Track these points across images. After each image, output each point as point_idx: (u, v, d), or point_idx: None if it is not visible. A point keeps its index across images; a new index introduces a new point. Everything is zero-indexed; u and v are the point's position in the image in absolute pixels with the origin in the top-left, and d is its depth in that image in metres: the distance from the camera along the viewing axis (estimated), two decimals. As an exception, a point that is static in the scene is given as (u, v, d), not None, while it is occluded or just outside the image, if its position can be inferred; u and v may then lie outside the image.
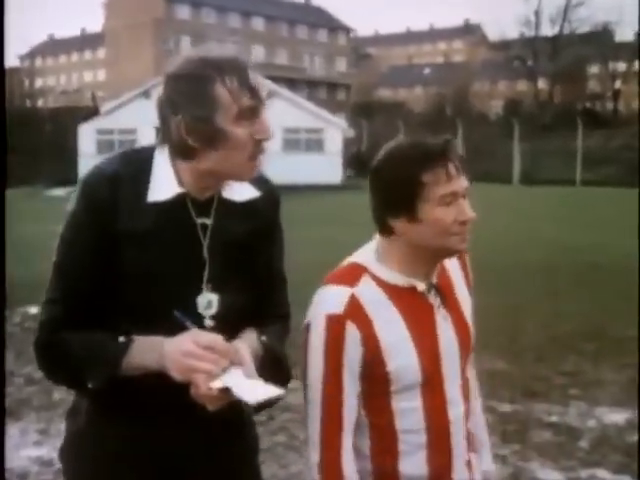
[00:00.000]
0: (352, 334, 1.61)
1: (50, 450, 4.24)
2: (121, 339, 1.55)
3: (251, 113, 1.54)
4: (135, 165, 1.63)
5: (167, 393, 1.58)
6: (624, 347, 6.35)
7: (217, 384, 1.47)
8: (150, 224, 1.59)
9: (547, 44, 53.97)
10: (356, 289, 1.64)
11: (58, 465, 3.92)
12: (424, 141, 1.63)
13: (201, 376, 1.46)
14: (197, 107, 1.52)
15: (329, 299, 1.64)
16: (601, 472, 4.01)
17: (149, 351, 1.53)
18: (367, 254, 1.71)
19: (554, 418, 4.77)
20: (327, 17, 73.01)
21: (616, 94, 53.07)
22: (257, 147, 1.57)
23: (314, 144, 29.30)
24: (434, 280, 1.71)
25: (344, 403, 1.64)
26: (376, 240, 1.72)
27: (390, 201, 1.62)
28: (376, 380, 1.65)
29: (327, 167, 27.32)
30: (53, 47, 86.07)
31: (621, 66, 53.70)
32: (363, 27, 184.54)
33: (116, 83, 56.15)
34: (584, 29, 55.05)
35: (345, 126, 32.44)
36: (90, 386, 1.55)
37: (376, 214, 1.66)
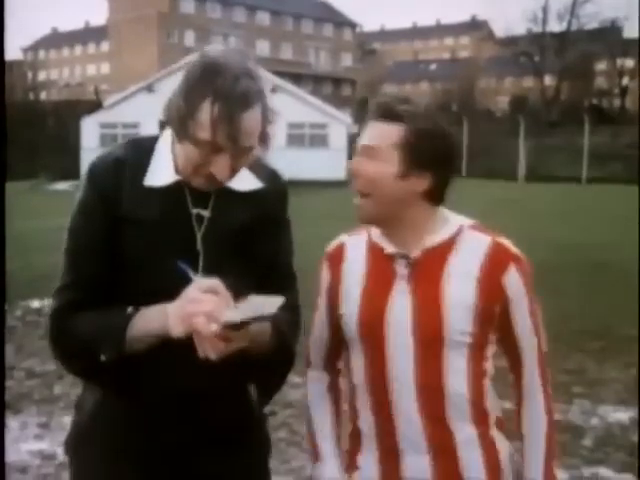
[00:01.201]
0: (326, 274, 1.81)
1: (51, 444, 4.24)
2: (129, 309, 1.56)
3: (214, 147, 1.52)
4: (139, 151, 1.65)
5: (176, 385, 1.60)
6: (629, 346, 6.31)
7: (219, 322, 1.44)
8: (147, 210, 1.60)
9: (554, 40, 53.68)
10: (349, 239, 1.82)
11: (60, 459, 3.98)
12: (379, 97, 1.77)
13: (201, 319, 1.43)
14: (184, 103, 1.52)
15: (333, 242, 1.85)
16: (604, 470, 3.99)
17: (154, 315, 1.53)
18: None
19: (557, 416, 4.72)
20: (332, 12, 72.89)
21: (624, 91, 52.81)
22: (208, 177, 1.56)
23: (318, 139, 29.18)
24: (413, 253, 1.70)
25: (312, 337, 1.86)
26: None
27: None
28: (339, 324, 1.77)
29: (331, 162, 27.18)
30: (56, 40, 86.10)
31: (629, 63, 53.39)
32: (369, 22, 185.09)
33: (120, 77, 56.21)
34: (592, 25, 54.68)
35: (350, 122, 32.38)
36: (103, 359, 1.54)
37: None
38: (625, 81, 53.10)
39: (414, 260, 1.71)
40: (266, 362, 1.66)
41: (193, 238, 1.62)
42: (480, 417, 1.75)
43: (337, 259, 1.80)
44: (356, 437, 1.81)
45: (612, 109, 50.32)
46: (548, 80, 54.34)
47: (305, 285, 1.88)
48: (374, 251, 1.76)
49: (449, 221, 1.75)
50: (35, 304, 7.76)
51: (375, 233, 1.77)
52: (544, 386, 1.78)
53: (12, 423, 4.52)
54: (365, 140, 1.69)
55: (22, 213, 12.62)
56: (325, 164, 28.03)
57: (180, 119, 1.52)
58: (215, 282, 1.49)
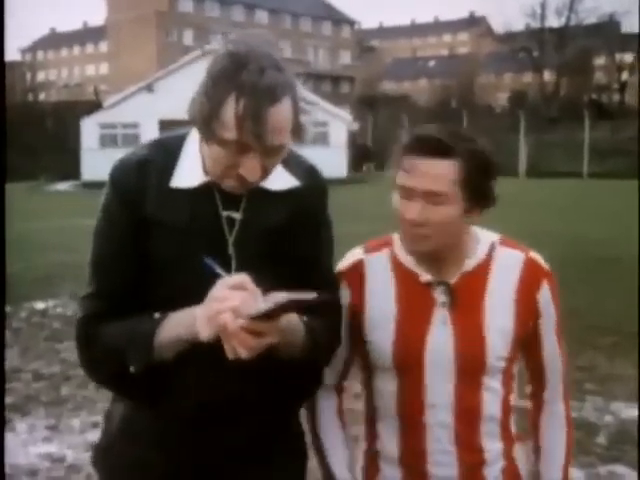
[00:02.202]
0: (344, 293, 1.67)
1: (60, 446, 4.19)
2: (156, 315, 1.48)
3: (241, 147, 1.41)
4: (165, 151, 1.56)
5: (208, 395, 1.53)
6: (638, 342, 6.27)
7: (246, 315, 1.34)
8: (174, 213, 1.51)
9: (553, 36, 53.69)
10: (368, 256, 1.69)
11: (69, 461, 3.94)
12: (421, 130, 1.59)
13: (228, 315, 1.33)
14: (208, 100, 1.41)
15: (345, 258, 1.72)
16: (620, 468, 3.95)
17: (182, 319, 1.45)
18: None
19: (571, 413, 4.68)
20: (331, 10, 72.81)
21: (623, 86, 52.82)
22: (238, 178, 1.45)
23: (319, 137, 29.21)
24: (452, 279, 1.62)
25: None
26: None
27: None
28: (361, 348, 1.69)
29: (332, 160, 27.23)
30: (55, 40, 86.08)
31: (628, 57, 53.40)
32: (367, 20, 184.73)
33: (119, 77, 56.15)
34: (590, 20, 54.82)
35: (350, 119, 32.37)
36: (132, 370, 1.47)
37: None
38: (624, 76, 53.11)
39: (453, 286, 1.63)
40: (299, 366, 1.55)
41: (224, 242, 1.53)
42: (506, 434, 1.72)
43: (357, 278, 1.68)
44: (372, 457, 1.75)
45: (611, 104, 50.32)
46: (547, 75, 54.34)
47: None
48: (404, 274, 1.65)
49: (480, 239, 1.68)
50: (39, 305, 7.70)
51: (400, 252, 1.67)
52: (566, 399, 1.76)
53: (20, 426, 4.48)
54: (424, 184, 1.52)
55: (22, 214, 12.56)
56: (326, 162, 27.90)
57: (204, 119, 1.42)
58: (242, 277, 1.39)
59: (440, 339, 1.62)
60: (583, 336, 6.40)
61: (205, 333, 1.39)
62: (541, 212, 16.54)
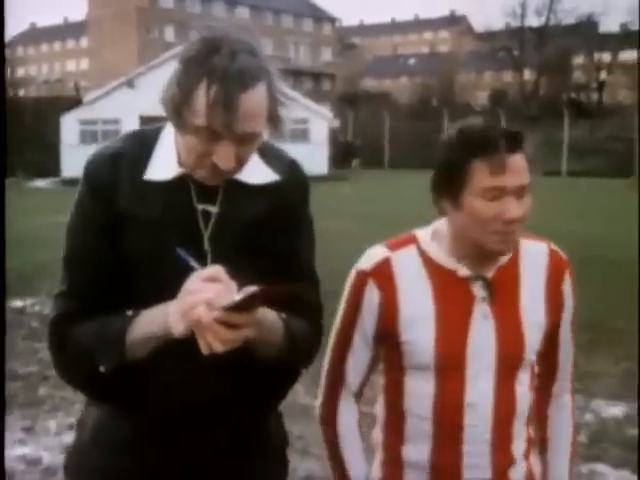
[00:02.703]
0: (372, 293, 1.60)
1: (36, 448, 4.13)
2: (128, 313, 1.43)
3: (213, 135, 1.36)
4: (140, 143, 1.51)
5: (183, 397, 1.48)
6: (619, 339, 6.31)
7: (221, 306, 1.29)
8: (148, 206, 1.46)
9: (533, 35, 54.01)
10: (394, 254, 1.62)
11: (45, 463, 3.87)
12: (485, 127, 1.53)
13: (201, 308, 1.28)
14: (179, 87, 1.37)
15: (365, 256, 1.65)
16: (601, 467, 3.95)
17: (155, 316, 1.40)
18: (426, 229, 1.67)
19: (551, 412, 4.69)
20: (312, 7, 72.74)
21: (601, 85, 53.22)
22: (213, 168, 1.41)
23: (300, 134, 29.17)
24: (489, 273, 1.60)
25: (348, 359, 1.67)
26: (438, 220, 1.68)
27: (438, 181, 1.57)
28: (391, 349, 1.62)
29: (313, 157, 27.20)
30: (35, 36, 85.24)
31: (606, 57, 53.84)
32: (348, 17, 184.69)
33: (99, 72, 55.73)
34: (569, 20, 55.21)
35: (330, 116, 32.34)
36: (102, 370, 1.42)
37: (431, 191, 1.60)
38: (602, 75, 53.48)
39: (491, 281, 1.60)
40: (276, 366, 1.51)
41: (199, 236, 1.48)
42: (527, 433, 1.70)
43: (385, 277, 1.61)
44: (395, 466, 1.67)
45: (590, 103, 50.66)
46: (527, 74, 54.69)
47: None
48: (438, 270, 1.60)
49: None
50: (17, 303, 7.60)
51: (430, 248, 1.62)
52: (572, 392, 1.78)
53: (-4, 427, 4.40)
54: (517, 179, 1.49)
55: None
56: (306, 159, 27.89)
57: (175, 106, 1.37)
58: (216, 269, 1.34)
59: (482, 335, 1.59)
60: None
61: (178, 328, 1.33)
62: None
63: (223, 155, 1.38)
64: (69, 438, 4.06)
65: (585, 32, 51.98)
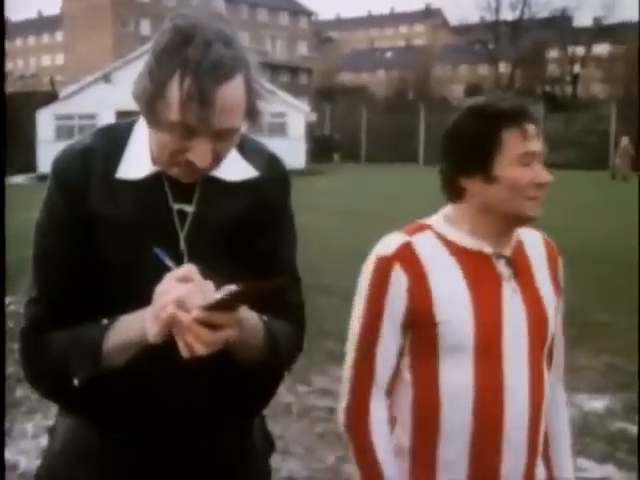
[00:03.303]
0: (398, 277, 1.55)
1: (13, 452, 4.04)
2: (104, 321, 1.35)
3: (188, 130, 1.29)
4: (111, 139, 1.43)
5: (160, 406, 1.40)
6: (601, 332, 6.33)
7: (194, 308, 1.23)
8: (121, 206, 1.38)
9: (508, 28, 54.36)
10: (414, 238, 1.59)
11: (22, 468, 3.78)
12: (504, 100, 1.59)
13: (171, 306, 1.22)
14: (151, 79, 1.29)
15: (383, 243, 1.61)
16: (584, 462, 3.93)
17: (132, 322, 1.32)
18: (435, 218, 1.66)
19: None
20: (288, 0, 72.49)
21: (575, 78, 53.65)
22: (187, 165, 1.33)
23: (277, 128, 29.08)
24: (507, 252, 1.61)
25: (379, 351, 1.58)
26: (445, 208, 1.67)
27: (466, 159, 1.56)
28: (424, 334, 1.55)
29: (290, 151, 27.10)
30: (9, 30, 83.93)
31: (579, 50, 54.29)
32: (324, 11, 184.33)
33: (75, 67, 55.29)
34: (543, 14, 55.61)
35: (308, 110, 32.29)
36: (76, 383, 1.34)
37: (448, 176, 1.61)
38: (576, 69, 53.93)
39: (512, 258, 1.61)
40: (258, 369, 1.43)
41: (175, 237, 1.40)
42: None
43: (412, 260, 1.56)
44: (428, 471, 1.58)
45: (564, 96, 51.07)
46: (502, 67, 55.04)
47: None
48: (460, 251, 1.59)
49: None
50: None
51: (447, 231, 1.61)
52: (563, 381, 1.78)
53: (-29, 431, 4.31)
54: (539, 146, 1.57)
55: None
56: (284, 153, 27.83)
57: (147, 101, 1.29)
58: (188, 268, 1.27)
59: (515, 312, 1.58)
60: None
61: (152, 332, 1.26)
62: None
63: (199, 152, 1.30)
64: (46, 441, 3.98)
65: (559, 26, 52.39)
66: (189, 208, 1.41)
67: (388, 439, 1.59)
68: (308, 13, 73.60)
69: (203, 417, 1.46)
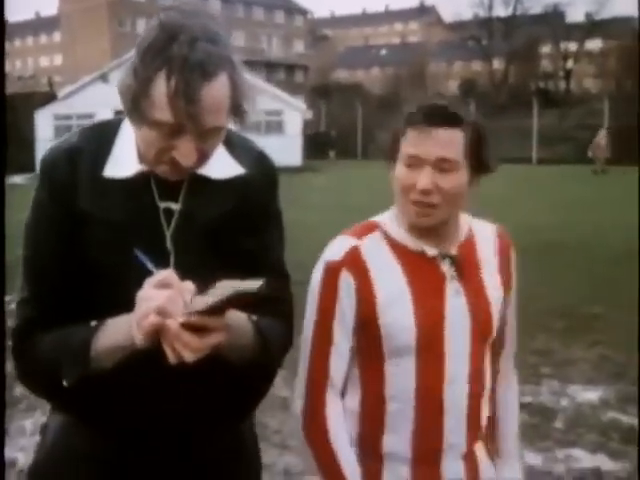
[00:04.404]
0: (346, 282, 1.59)
1: (11, 450, 4.06)
2: (92, 323, 1.35)
3: (173, 129, 1.28)
4: (98, 137, 1.43)
5: (151, 407, 1.40)
6: (592, 324, 6.38)
7: (175, 314, 1.23)
8: (107, 206, 1.37)
9: (501, 24, 54.47)
10: (360, 241, 1.62)
11: (21, 466, 3.81)
12: (424, 101, 1.59)
13: (152, 316, 1.22)
14: (135, 78, 1.29)
15: (331, 248, 1.64)
16: (577, 452, 3.98)
17: (120, 326, 1.31)
18: (387, 214, 1.69)
19: (527, 398, 4.73)
20: (283, -1, 72.49)
21: (568, 74, 53.68)
22: (171, 162, 1.33)
23: (274, 126, 29.06)
24: (452, 251, 1.63)
25: (331, 353, 1.62)
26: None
27: (387, 151, 1.63)
28: (370, 336, 1.60)
29: (287, 149, 27.12)
30: (7, 32, 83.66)
31: (572, 46, 54.33)
32: (319, 9, 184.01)
33: (73, 67, 55.21)
34: (536, 10, 55.75)
35: (304, 108, 32.27)
36: (65, 383, 1.34)
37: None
38: (569, 64, 53.96)
39: (456, 257, 1.63)
40: (248, 369, 1.43)
41: (162, 236, 1.39)
42: (487, 416, 1.73)
43: (358, 265, 1.60)
44: (373, 459, 1.64)
45: (558, 92, 51.08)
46: (496, 64, 55.05)
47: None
48: (405, 252, 1.62)
49: (459, 213, 1.70)
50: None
51: (394, 232, 1.64)
52: (515, 369, 1.82)
53: (-30, 428, 4.34)
54: (437, 151, 1.53)
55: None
56: (281, 150, 27.90)
57: (133, 99, 1.28)
58: (166, 273, 1.26)
59: (457, 311, 1.61)
60: (537, 320, 6.48)
61: (138, 338, 1.25)
62: (492, 198, 16.69)
63: (184, 151, 1.30)
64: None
65: (552, 21, 52.41)
66: (175, 206, 1.41)
67: (347, 439, 1.63)
68: (303, 11, 73.54)
69: (195, 417, 1.44)
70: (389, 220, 1.67)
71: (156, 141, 1.31)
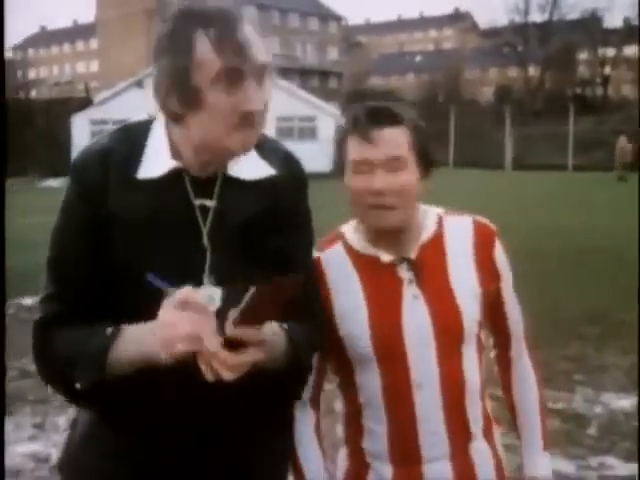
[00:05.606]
0: None
1: (45, 445, 4.14)
2: (108, 330, 1.35)
3: (234, 76, 1.29)
4: (129, 139, 1.44)
5: (169, 403, 1.40)
6: (626, 331, 6.28)
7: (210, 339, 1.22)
8: (142, 205, 1.38)
9: (537, 31, 53.93)
10: (323, 254, 1.64)
11: (54, 461, 3.87)
12: (362, 106, 1.59)
13: (183, 345, 1.23)
14: (174, 60, 1.31)
15: None
16: (610, 460, 3.93)
17: (140, 338, 1.31)
18: (350, 224, 1.70)
19: (560, 405, 4.68)
20: (318, 6, 72.64)
21: (605, 80, 53.01)
22: (242, 119, 1.32)
23: (307, 132, 29.15)
24: (412, 254, 1.62)
25: None
26: None
27: (337, 163, 1.61)
28: (335, 347, 1.63)
29: (321, 154, 27.16)
30: (45, 38, 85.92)
31: (610, 52, 53.64)
32: (354, 15, 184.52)
33: (109, 73, 55.97)
34: (573, 16, 55.08)
35: (338, 114, 32.31)
36: (78, 387, 1.35)
37: None
38: (607, 70, 53.28)
39: (415, 261, 1.62)
40: (278, 380, 1.44)
41: (198, 232, 1.40)
42: (484, 410, 1.72)
43: (319, 277, 1.61)
44: (359, 457, 1.69)
45: (595, 98, 50.46)
46: (532, 70, 54.52)
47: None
48: (363, 261, 1.63)
49: (427, 213, 1.69)
50: (27, 301, 7.63)
51: (354, 241, 1.65)
52: (529, 350, 1.79)
53: (6, 424, 4.42)
54: (385, 151, 1.54)
55: (12, 210, 12.46)
56: (314, 156, 28.02)
57: (180, 80, 1.30)
58: (185, 292, 1.27)
59: (415, 316, 1.60)
60: (570, 327, 6.43)
61: (164, 356, 1.27)
62: (527, 204, 16.56)
63: (251, 94, 1.31)
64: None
65: (589, 27, 51.77)
66: (210, 203, 1.42)
67: (315, 450, 1.68)
68: (338, 18, 73.66)
69: (222, 414, 1.44)
70: (352, 229, 1.67)
71: (221, 101, 1.30)
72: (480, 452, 1.68)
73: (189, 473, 1.47)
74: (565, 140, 32.44)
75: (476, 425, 1.68)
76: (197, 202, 1.41)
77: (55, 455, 3.99)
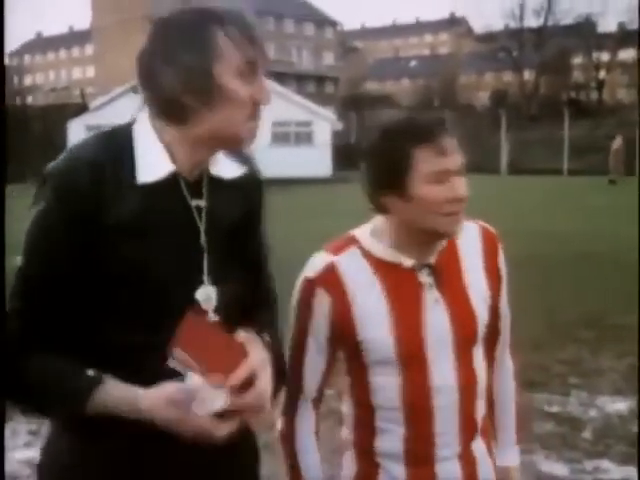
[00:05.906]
0: (322, 299, 1.62)
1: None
2: (89, 372, 1.32)
3: (252, 69, 1.37)
4: (114, 146, 1.41)
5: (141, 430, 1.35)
6: (622, 335, 6.30)
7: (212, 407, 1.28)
8: (142, 212, 1.36)
9: (532, 35, 54.06)
10: (337, 257, 1.64)
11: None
12: (416, 117, 1.61)
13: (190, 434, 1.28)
14: (194, 56, 1.33)
15: (310, 264, 1.66)
16: (605, 463, 3.94)
17: (124, 397, 1.32)
18: (365, 228, 1.70)
19: (555, 408, 4.69)
20: (313, 11, 72.74)
21: (600, 84, 53.18)
22: (255, 109, 1.39)
23: (303, 137, 29.17)
24: (431, 260, 1.64)
25: (306, 366, 1.67)
26: (375, 217, 1.70)
27: (381, 177, 1.58)
28: (351, 349, 1.65)
29: (317, 160, 27.23)
30: (41, 44, 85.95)
31: (605, 56, 53.82)
32: (349, 20, 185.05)
33: (105, 79, 55.99)
34: (567, 21, 55.23)
35: (334, 119, 32.37)
36: (49, 417, 1.37)
37: (369, 192, 1.63)
38: (601, 74, 53.46)
39: (435, 266, 1.65)
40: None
41: (197, 233, 1.43)
42: (485, 413, 1.76)
43: (333, 282, 1.62)
44: (369, 458, 1.69)
45: (590, 102, 50.62)
46: (527, 74, 54.70)
47: (291, 281, 1.71)
48: (383, 266, 1.64)
49: None
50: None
51: (372, 246, 1.65)
52: (511, 353, 1.85)
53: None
54: (457, 160, 1.57)
55: (12, 216, 12.44)
56: (311, 161, 28.05)
57: (202, 78, 1.33)
58: (178, 394, 1.29)
59: (436, 320, 1.63)
60: (566, 330, 6.44)
61: (162, 424, 1.30)
62: (523, 208, 16.60)
63: (264, 87, 1.40)
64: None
65: (583, 32, 51.94)
66: (202, 203, 1.44)
67: (312, 447, 1.70)
68: (333, 23, 73.76)
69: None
70: (367, 234, 1.68)
71: (244, 92, 1.36)
72: (480, 450, 1.72)
73: (169, 467, 1.44)
74: (560, 144, 32.53)
75: (478, 423, 1.71)
76: (193, 203, 1.44)
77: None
